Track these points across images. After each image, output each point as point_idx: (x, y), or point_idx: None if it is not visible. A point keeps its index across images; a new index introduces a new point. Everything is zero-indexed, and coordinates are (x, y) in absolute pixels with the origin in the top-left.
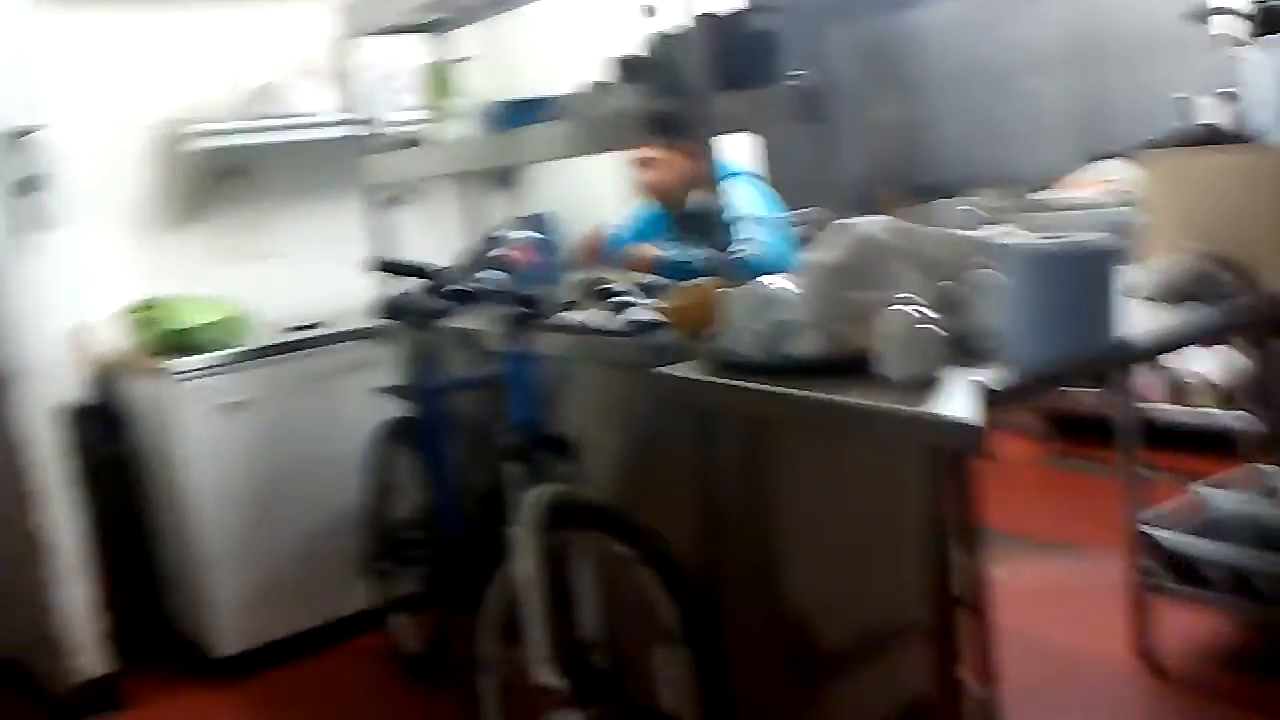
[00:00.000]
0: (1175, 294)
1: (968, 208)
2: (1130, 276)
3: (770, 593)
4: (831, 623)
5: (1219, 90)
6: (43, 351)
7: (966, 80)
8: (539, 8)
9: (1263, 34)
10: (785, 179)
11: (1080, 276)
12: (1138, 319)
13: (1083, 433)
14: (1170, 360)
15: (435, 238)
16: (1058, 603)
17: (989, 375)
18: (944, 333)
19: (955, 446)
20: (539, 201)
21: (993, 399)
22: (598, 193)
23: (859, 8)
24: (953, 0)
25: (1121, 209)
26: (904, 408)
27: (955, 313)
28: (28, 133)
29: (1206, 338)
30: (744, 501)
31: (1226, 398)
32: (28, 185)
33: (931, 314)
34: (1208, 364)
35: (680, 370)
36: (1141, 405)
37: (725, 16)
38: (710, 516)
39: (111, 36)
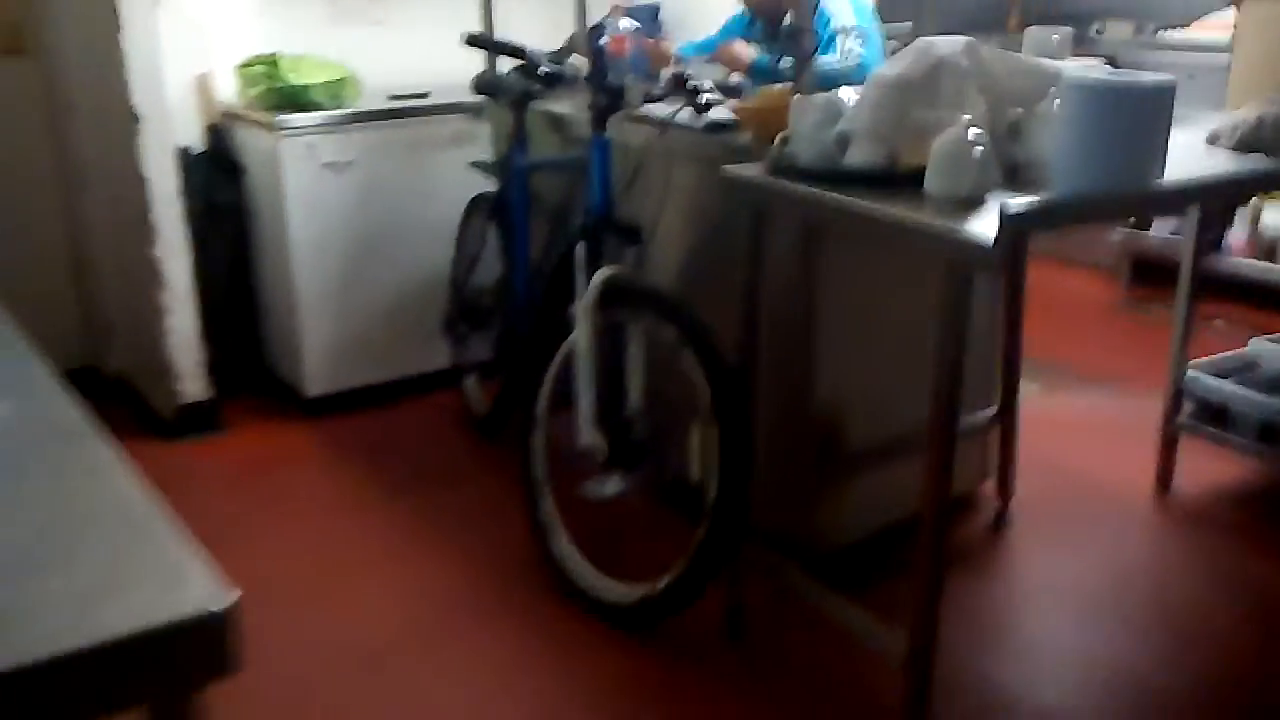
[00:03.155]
0: (1248, 143)
1: (1059, 36)
2: (1209, 122)
3: (804, 389)
4: (858, 425)
5: None
6: (168, 96)
7: None
8: None
9: None
10: None
11: (1128, 116)
12: (1200, 163)
13: (1162, 279)
14: (1266, 215)
15: (545, 22)
16: (1092, 433)
17: (1023, 201)
18: (996, 156)
19: (972, 264)
20: None
21: (1016, 223)
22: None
23: None
24: None
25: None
26: (930, 221)
27: (1019, 142)
28: None
29: (1258, 190)
30: (790, 301)
31: None
32: None
33: (985, 137)
34: None
35: (742, 170)
36: (1228, 258)
37: None
38: (757, 312)
39: None
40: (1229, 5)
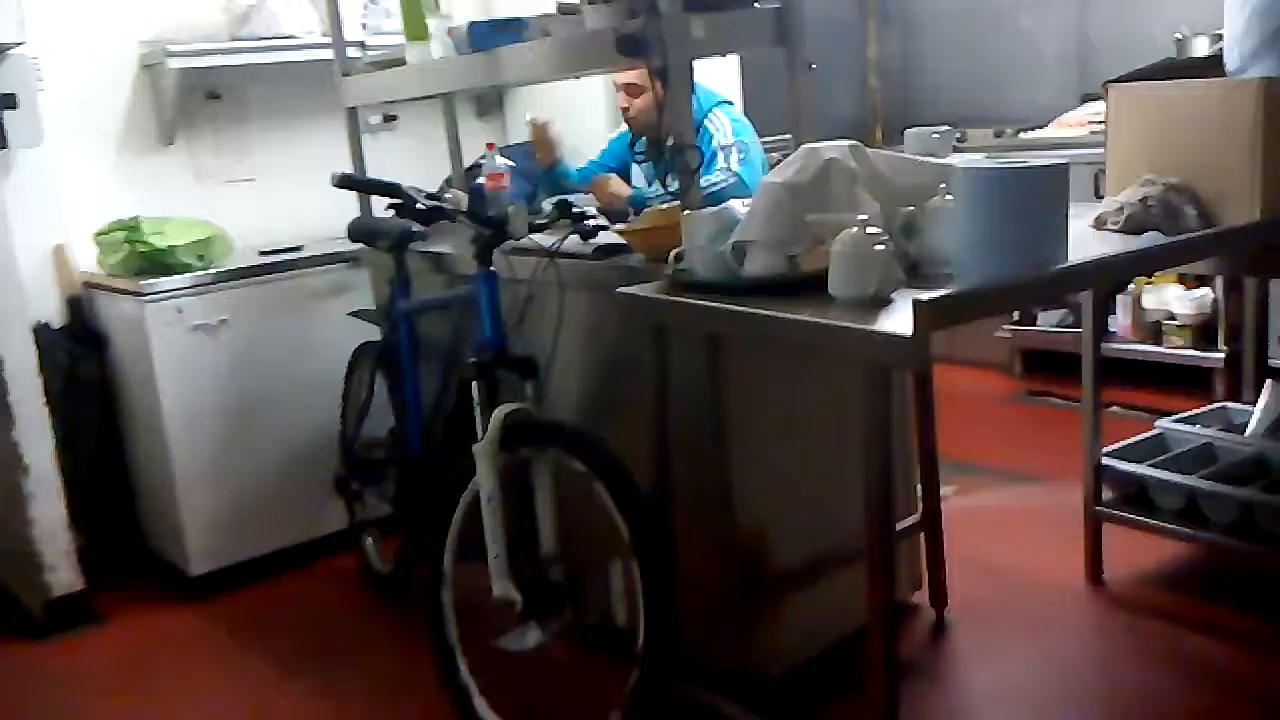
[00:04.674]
0: (1137, 225)
1: (939, 134)
2: (1096, 208)
3: (724, 513)
4: (784, 544)
5: (1217, 30)
6: (21, 269)
7: (963, 19)
8: None
9: None
10: (765, 107)
11: (1028, 198)
12: (1094, 247)
13: (1053, 369)
14: (1146, 299)
15: (418, 166)
16: (1014, 530)
17: (934, 294)
18: (896, 256)
19: (893, 361)
20: (521, 131)
21: (933, 315)
22: (578, 120)
23: None
24: None
25: (1104, 149)
26: (843, 323)
27: (913, 238)
28: (7, 48)
29: (1161, 266)
30: (700, 423)
31: (1200, 336)
32: (7, 101)
33: (884, 235)
34: (1182, 302)
35: (639, 290)
36: (1114, 343)
37: None
38: (667, 437)
39: None
40: (1082, 103)
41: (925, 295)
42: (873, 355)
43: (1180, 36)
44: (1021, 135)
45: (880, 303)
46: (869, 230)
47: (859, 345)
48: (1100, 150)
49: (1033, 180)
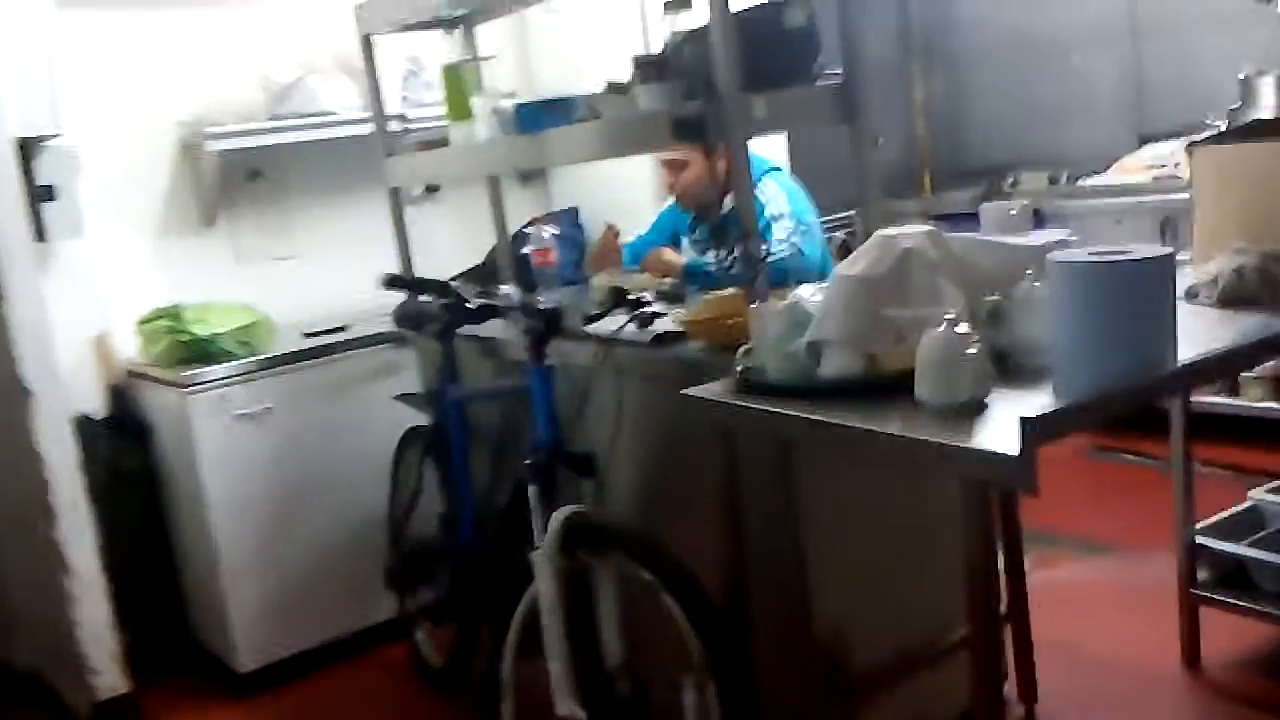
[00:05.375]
0: (1233, 297)
1: (1016, 211)
2: (1183, 279)
3: (802, 617)
4: (867, 645)
5: None
6: (62, 362)
7: (1012, 59)
8: (563, 3)
9: None
10: (814, 172)
11: (1135, 294)
12: (1196, 329)
13: (1122, 423)
14: None
15: (462, 235)
16: (1101, 608)
17: (1035, 403)
18: (987, 354)
19: (997, 480)
20: (566, 197)
21: (1040, 432)
22: (625, 187)
23: None
24: None
25: (1170, 195)
26: (945, 441)
27: (1001, 329)
28: (46, 139)
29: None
30: (774, 522)
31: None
32: (46, 193)
33: (974, 334)
34: None
35: (707, 391)
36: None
37: (754, 11)
38: (738, 538)
39: (130, 36)
40: (1141, 144)
41: (1027, 407)
42: (973, 473)
43: (1244, 76)
44: (1080, 182)
45: (973, 408)
46: (957, 329)
47: (957, 463)
48: (1166, 198)
49: (1140, 274)
